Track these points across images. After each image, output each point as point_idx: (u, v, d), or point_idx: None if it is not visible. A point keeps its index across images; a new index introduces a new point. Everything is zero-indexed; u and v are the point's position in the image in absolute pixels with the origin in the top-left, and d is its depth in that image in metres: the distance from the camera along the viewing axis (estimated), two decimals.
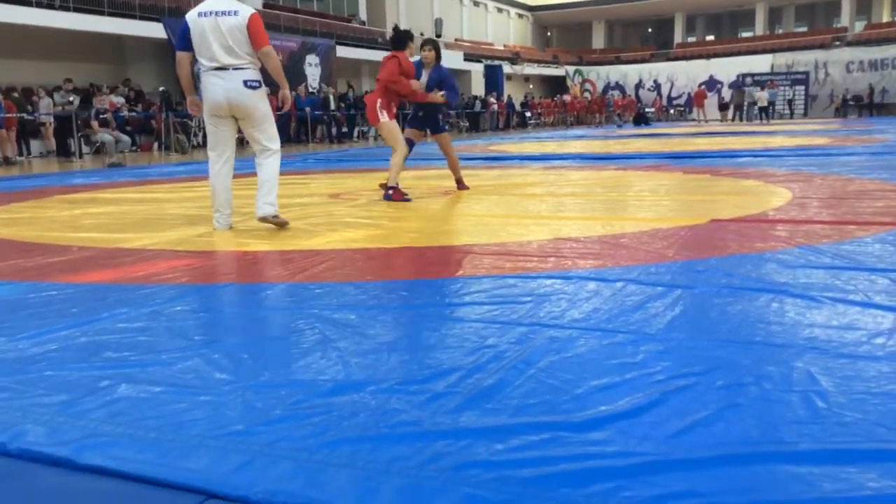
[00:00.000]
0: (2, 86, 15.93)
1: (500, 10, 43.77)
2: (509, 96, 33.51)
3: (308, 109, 20.50)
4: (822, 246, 3.64)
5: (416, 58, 6.43)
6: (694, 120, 33.35)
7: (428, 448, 1.55)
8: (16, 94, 15.70)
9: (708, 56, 41.37)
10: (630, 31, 51.42)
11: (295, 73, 23.36)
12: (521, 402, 1.80)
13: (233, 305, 2.88)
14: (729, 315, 2.51)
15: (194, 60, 4.69)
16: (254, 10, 4.62)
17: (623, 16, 47.53)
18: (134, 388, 1.96)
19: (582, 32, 48.69)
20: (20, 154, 15.12)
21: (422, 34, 33.84)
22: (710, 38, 48.27)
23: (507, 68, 37.48)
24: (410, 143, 6.56)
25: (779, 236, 3.97)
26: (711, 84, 38.40)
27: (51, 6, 17.44)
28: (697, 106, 33.16)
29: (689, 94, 38.25)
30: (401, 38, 6.29)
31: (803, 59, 37.15)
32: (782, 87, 35.66)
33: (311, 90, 23.02)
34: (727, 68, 38.73)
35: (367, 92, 27.72)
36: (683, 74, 40.07)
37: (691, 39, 47.73)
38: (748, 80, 35.89)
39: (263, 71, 4.67)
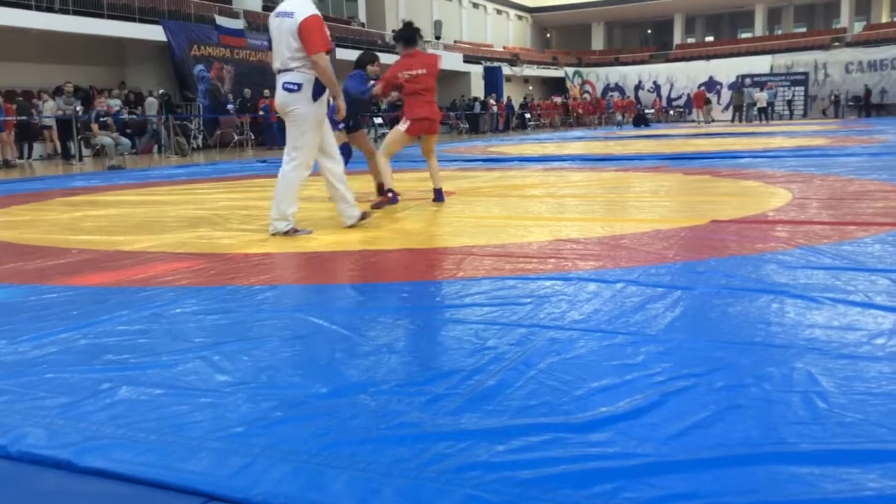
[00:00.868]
0: (1, 89, 15.93)
1: (499, 12, 43.78)
2: (509, 98, 33.52)
3: None
4: (822, 246, 3.64)
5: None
6: (693, 121, 33.35)
7: (429, 450, 1.55)
8: (20, 98, 15.72)
9: (707, 57, 41.38)
10: (629, 33, 51.44)
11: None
12: (521, 403, 1.80)
13: (233, 307, 2.88)
14: (729, 316, 2.51)
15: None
16: (311, 13, 4.41)
17: (622, 17, 47.56)
18: (134, 390, 1.96)
19: (581, 34, 48.71)
20: (20, 157, 15.13)
21: (421, 36, 33.85)
22: (710, 38, 48.30)
23: (506, 70, 37.49)
24: (348, 148, 6.50)
25: (779, 237, 3.97)
26: (711, 85, 38.41)
27: (50, 9, 17.45)
28: (697, 107, 33.18)
29: (688, 95, 38.26)
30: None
31: (802, 60, 37.18)
32: (781, 88, 35.69)
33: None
34: (727, 69, 38.75)
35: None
36: (683, 75, 40.08)
37: (691, 40, 47.75)
38: (748, 80, 35.90)
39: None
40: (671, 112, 39.32)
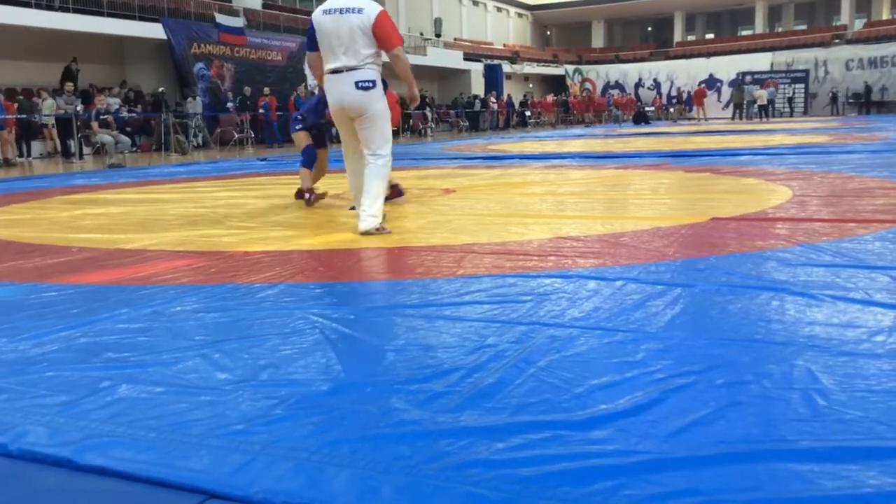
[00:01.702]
0: (1, 87, 15.93)
1: (499, 10, 43.76)
2: (509, 95, 33.51)
3: None
4: (822, 244, 3.64)
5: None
6: (693, 118, 33.34)
7: (428, 447, 1.55)
8: (20, 97, 15.72)
9: (708, 54, 41.35)
10: (630, 30, 51.41)
11: (294, 73, 23.39)
12: (521, 400, 1.80)
13: (233, 305, 2.88)
14: (729, 313, 2.51)
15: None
16: (381, 8, 4.42)
17: (622, 14, 47.53)
18: (134, 388, 1.96)
19: (581, 31, 48.68)
20: (20, 155, 15.13)
21: (421, 34, 33.88)
22: (710, 36, 48.27)
23: (506, 67, 37.46)
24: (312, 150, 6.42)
25: (779, 234, 3.97)
26: (711, 82, 38.39)
27: (50, 7, 17.44)
28: (697, 105, 33.17)
29: (689, 92, 38.23)
30: None
31: (803, 58, 37.13)
32: (782, 86, 35.66)
33: (310, 90, 23.02)
34: (727, 67, 38.71)
35: None
36: (683, 73, 40.04)
37: (691, 38, 47.73)
38: (748, 78, 35.88)
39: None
40: (671, 110, 39.30)
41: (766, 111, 30.63)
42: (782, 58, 37.68)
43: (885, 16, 41.10)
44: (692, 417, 1.67)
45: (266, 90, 20.24)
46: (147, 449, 1.59)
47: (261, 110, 19.53)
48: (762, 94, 30.72)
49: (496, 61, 37.05)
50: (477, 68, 35.24)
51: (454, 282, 3.14)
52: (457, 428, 1.65)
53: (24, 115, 14.77)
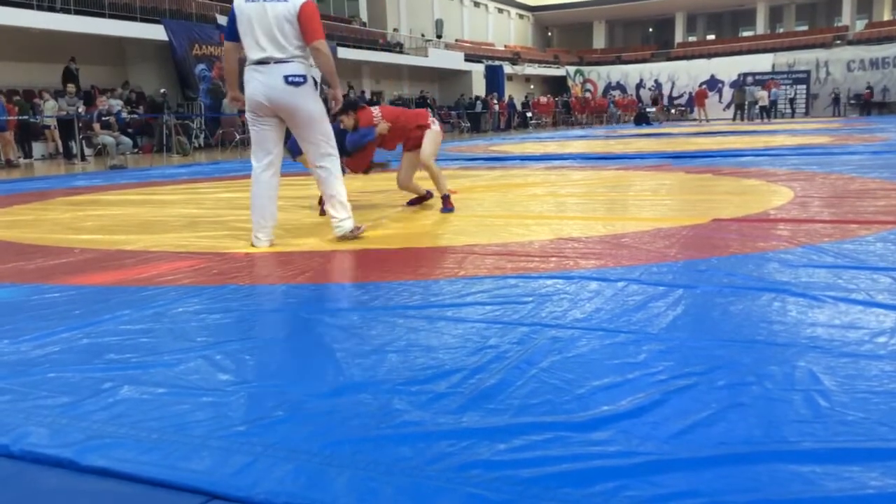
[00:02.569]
0: (2, 88, 15.95)
1: (500, 11, 43.77)
2: (510, 97, 33.52)
3: None
4: (823, 245, 3.63)
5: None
6: (695, 120, 33.34)
7: (430, 448, 1.55)
8: (18, 98, 15.73)
9: (709, 55, 41.33)
10: (631, 31, 51.40)
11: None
12: (523, 402, 1.80)
13: (235, 307, 2.89)
14: (731, 314, 2.51)
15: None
16: None
17: (624, 15, 47.53)
18: (136, 389, 1.97)
19: (583, 32, 48.69)
20: (23, 157, 15.15)
21: (422, 35, 33.89)
22: (711, 37, 48.25)
23: (507, 69, 37.47)
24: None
25: (781, 235, 3.97)
26: (713, 83, 38.37)
27: (51, 8, 17.46)
28: (699, 105, 33.17)
29: (690, 93, 38.22)
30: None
31: (804, 58, 37.12)
32: (783, 87, 35.65)
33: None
34: (728, 68, 38.70)
35: (372, 95, 27.77)
36: (684, 74, 40.03)
37: (692, 39, 47.71)
38: (749, 79, 35.87)
39: None
40: (672, 111, 39.29)
41: (768, 112, 30.61)
42: (784, 59, 37.67)
43: (887, 17, 41.07)
44: (694, 419, 1.67)
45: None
46: (149, 450, 1.59)
47: None
48: (763, 95, 30.71)
49: (497, 62, 37.07)
50: (478, 69, 35.25)
51: (456, 283, 3.14)
52: (458, 429, 1.65)
53: (24, 116, 14.78)
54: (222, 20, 21.79)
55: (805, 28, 44.30)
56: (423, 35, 34.23)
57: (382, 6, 33.20)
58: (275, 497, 1.39)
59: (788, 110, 35.29)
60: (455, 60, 34.08)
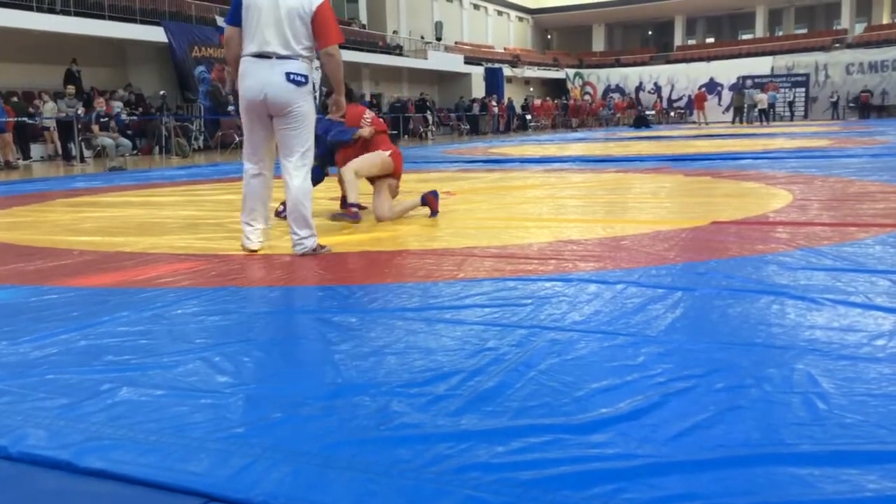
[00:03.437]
0: (2, 90, 15.95)
1: (500, 13, 43.80)
2: (510, 99, 33.53)
3: None
4: (822, 248, 3.64)
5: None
6: (694, 122, 33.36)
7: (429, 450, 1.55)
8: (15, 99, 15.72)
9: (708, 58, 41.37)
10: (630, 34, 51.44)
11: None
12: (521, 404, 1.80)
13: (233, 308, 2.89)
14: (729, 317, 2.51)
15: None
16: None
17: (623, 18, 47.58)
18: (135, 391, 1.96)
19: (582, 35, 48.72)
20: (22, 158, 15.14)
21: (422, 37, 33.92)
22: (711, 40, 48.28)
23: (507, 71, 37.51)
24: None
25: (779, 238, 3.97)
26: (712, 86, 38.41)
27: (52, 10, 17.47)
28: (698, 108, 33.21)
29: (689, 96, 38.26)
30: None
31: (803, 62, 37.16)
32: (782, 90, 35.69)
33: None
34: (727, 70, 38.74)
35: (369, 95, 27.78)
36: (684, 77, 40.07)
37: (691, 42, 47.74)
38: (748, 82, 35.91)
39: None
40: (672, 113, 39.32)
41: (767, 115, 30.64)
42: (783, 62, 37.72)
43: (886, 20, 41.12)
44: (692, 421, 1.67)
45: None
46: (147, 452, 1.59)
47: None
48: (762, 98, 30.74)
49: (497, 65, 37.10)
50: (478, 72, 35.28)
51: (454, 285, 3.14)
52: (457, 431, 1.65)
53: (22, 118, 14.77)
54: (221, 22, 21.80)
55: (804, 31, 44.33)
56: (422, 37, 34.25)
57: (382, 8, 33.23)
58: (273, 499, 1.38)
59: (787, 113, 35.33)
60: (454, 63, 34.10)
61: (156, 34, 19.56)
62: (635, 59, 44.89)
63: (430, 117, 27.46)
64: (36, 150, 16.56)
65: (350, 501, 1.37)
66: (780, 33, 44.89)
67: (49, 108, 15.38)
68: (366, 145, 5.40)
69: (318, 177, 5.77)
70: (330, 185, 6.79)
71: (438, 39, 35.37)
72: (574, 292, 2.92)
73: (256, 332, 2.56)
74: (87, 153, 15.00)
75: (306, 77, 3.86)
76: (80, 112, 14.14)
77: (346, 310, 2.81)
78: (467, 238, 4.36)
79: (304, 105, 3.88)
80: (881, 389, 1.82)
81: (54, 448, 1.62)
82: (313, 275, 3.53)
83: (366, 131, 5.39)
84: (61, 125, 15.16)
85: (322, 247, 4.02)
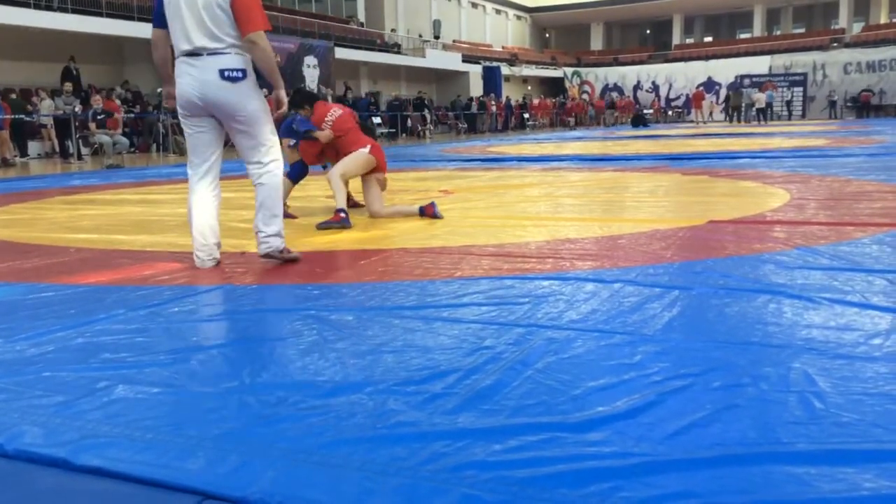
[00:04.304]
0: (0, 87, 15.92)
1: (498, 12, 43.78)
2: (507, 97, 33.53)
3: None
4: (819, 247, 3.64)
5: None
6: (692, 121, 33.39)
7: (425, 449, 1.55)
8: (14, 96, 15.69)
9: (706, 57, 41.40)
10: (628, 33, 51.46)
11: (293, 74, 23.37)
12: (518, 402, 1.80)
13: (230, 306, 2.88)
14: (726, 316, 2.52)
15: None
16: None
17: (621, 17, 47.57)
18: (131, 389, 1.96)
19: (580, 34, 48.71)
20: (19, 156, 15.11)
21: (420, 36, 33.89)
22: (709, 39, 48.33)
23: (505, 70, 37.49)
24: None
25: (776, 237, 3.98)
26: (710, 85, 38.44)
27: (49, 7, 17.44)
28: (696, 107, 33.24)
29: (687, 95, 38.30)
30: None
31: (801, 61, 37.21)
32: (780, 89, 35.73)
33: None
34: (725, 69, 38.78)
35: (369, 93, 27.76)
36: (682, 76, 40.10)
37: (689, 41, 47.77)
38: (746, 81, 35.94)
39: None
40: (670, 112, 39.35)
41: (765, 114, 30.69)
42: (780, 61, 37.76)
43: (884, 19, 41.17)
44: (689, 420, 1.67)
45: (264, 91, 20.19)
46: (144, 449, 1.59)
47: None
48: (760, 97, 30.79)
49: (495, 63, 37.09)
50: (475, 70, 35.27)
51: (452, 283, 3.14)
52: (454, 430, 1.65)
53: (19, 115, 14.74)
54: None
55: (802, 30, 44.39)
56: (420, 36, 34.23)
57: (380, 6, 33.20)
58: (270, 497, 1.38)
59: (785, 112, 35.38)
60: (452, 61, 34.09)
61: None
62: (633, 58, 44.89)
63: (427, 116, 27.45)
64: (33, 147, 16.53)
65: (346, 500, 1.37)
66: (778, 32, 44.93)
67: (46, 106, 15.35)
68: (343, 144, 5.36)
69: (300, 172, 5.76)
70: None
71: (436, 38, 35.35)
72: (571, 291, 2.92)
73: (253, 329, 2.56)
74: (84, 151, 14.97)
75: (243, 71, 3.51)
76: (77, 109, 14.11)
77: (343, 308, 2.81)
78: (465, 237, 4.36)
79: (249, 104, 3.54)
80: (877, 388, 1.83)
81: (50, 446, 1.62)
82: (310, 273, 3.52)
83: (322, 135, 5.29)
84: (59, 122, 15.14)
85: (290, 251, 3.71)
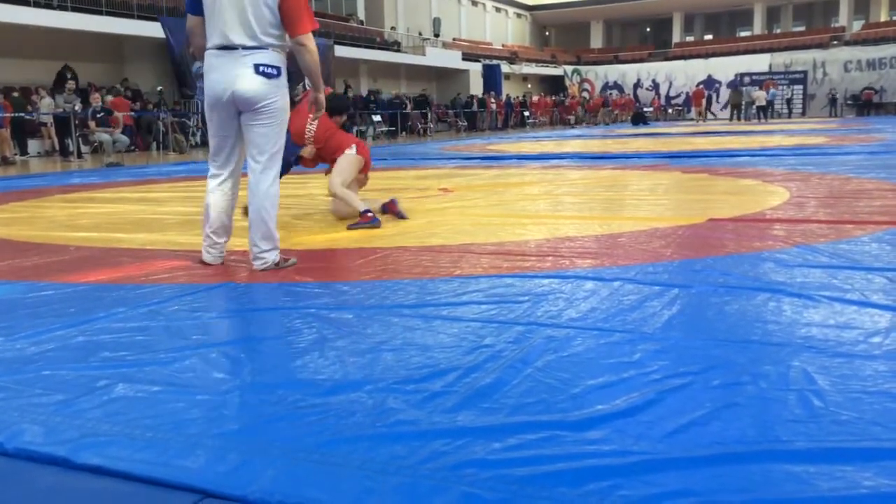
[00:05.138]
0: (0, 85, 15.92)
1: (498, 10, 43.75)
2: (507, 96, 33.51)
3: None
4: (819, 245, 3.64)
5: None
6: (692, 120, 33.37)
7: (425, 447, 1.56)
8: (16, 94, 15.69)
9: (706, 55, 41.38)
10: (628, 31, 51.43)
11: (295, 73, 23.30)
12: (518, 401, 1.80)
13: (230, 305, 2.88)
14: (726, 314, 2.52)
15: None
16: None
17: (621, 15, 47.53)
18: (131, 387, 1.96)
19: (580, 32, 48.68)
20: (19, 154, 15.11)
21: (420, 34, 33.86)
22: (709, 37, 48.29)
23: (505, 68, 37.47)
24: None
25: (776, 235, 3.98)
26: (710, 83, 38.42)
27: (49, 5, 17.42)
28: (696, 105, 33.22)
29: (687, 93, 38.27)
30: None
31: (801, 59, 37.19)
32: (780, 87, 35.71)
33: (308, 89, 22.99)
34: (725, 68, 38.76)
35: (370, 93, 27.73)
36: (682, 74, 40.08)
37: (689, 39, 47.74)
38: (746, 79, 35.91)
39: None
40: (670, 110, 39.33)
41: (765, 112, 30.67)
42: (781, 59, 37.74)
43: (884, 17, 41.14)
44: (688, 418, 1.67)
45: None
46: (143, 448, 1.59)
47: None
48: (760, 95, 30.77)
49: (495, 61, 37.06)
50: (475, 68, 35.25)
51: (451, 282, 3.14)
52: (453, 428, 1.65)
53: (19, 114, 14.74)
54: None
55: (802, 28, 44.36)
56: (420, 34, 34.20)
57: (380, 4, 33.17)
58: (269, 496, 1.39)
59: (785, 110, 35.35)
60: (452, 59, 34.07)
61: (153, 30, 19.50)
62: (633, 56, 44.84)
63: (428, 114, 27.43)
64: (33, 145, 16.53)
65: (346, 498, 1.37)
66: (778, 30, 44.89)
67: (46, 104, 15.35)
68: (329, 151, 5.27)
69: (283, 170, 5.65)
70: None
71: (436, 36, 35.33)
72: (571, 289, 2.92)
73: (253, 328, 2.56)
74: (84, 149, 14.97)
75: (279, 69, 3.47)
76: (77, 108, 14.10)
77: (343, 306, 2.81)
78: (464, 235, 4.36)
79: (278, 100, 3.47)
80: (877, 387, 1.83)
81: (50, 444, 1.62)
82: (310, 271, 3.52)
83: (306, 152, 5.25)
84: (58, 121, 15.13)
85: (286, 259, 3.61)
